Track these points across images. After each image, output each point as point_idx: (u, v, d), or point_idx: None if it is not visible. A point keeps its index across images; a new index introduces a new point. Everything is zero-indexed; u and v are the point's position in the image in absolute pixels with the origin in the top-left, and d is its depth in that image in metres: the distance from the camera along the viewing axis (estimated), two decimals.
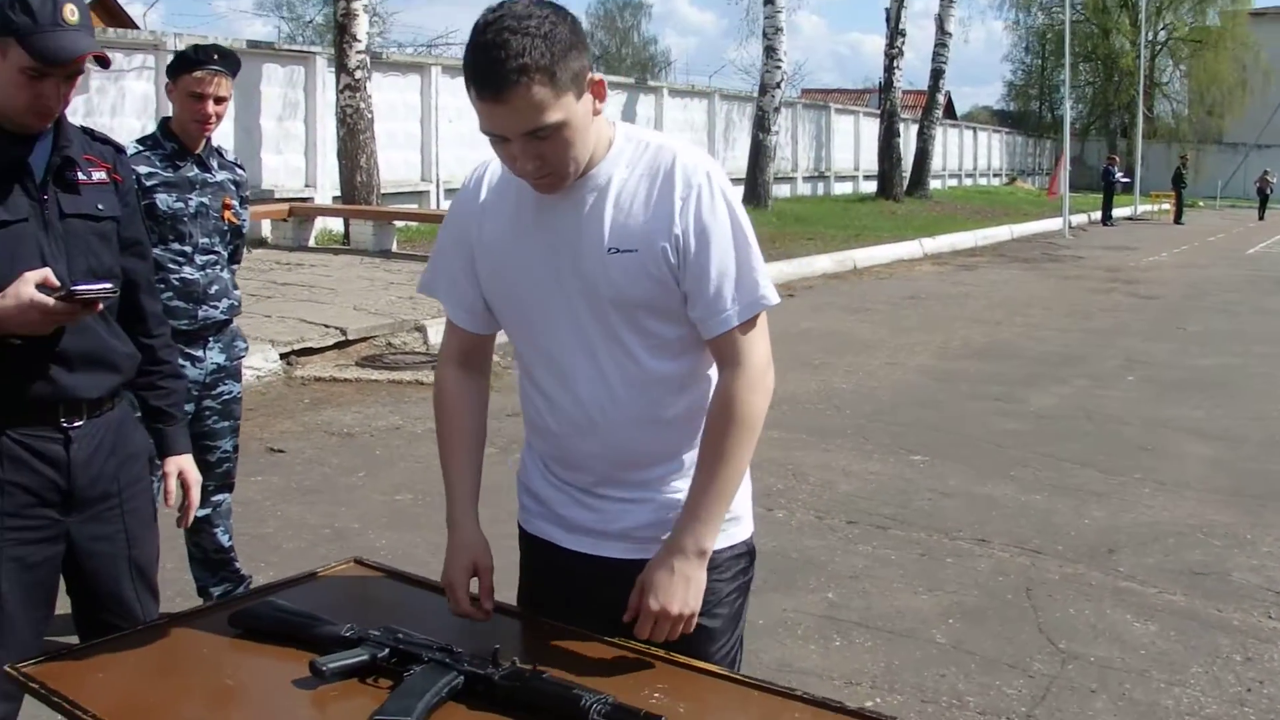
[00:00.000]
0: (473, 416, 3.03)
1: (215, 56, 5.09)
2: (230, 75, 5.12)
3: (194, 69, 5.04)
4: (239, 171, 5.52)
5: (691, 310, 2.73)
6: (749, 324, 2.73)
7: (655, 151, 2.74)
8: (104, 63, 3.19)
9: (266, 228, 19.26)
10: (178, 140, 5.18)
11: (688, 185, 2.68)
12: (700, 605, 2.74)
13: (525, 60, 2.44)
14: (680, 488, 2.83)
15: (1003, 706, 5.14)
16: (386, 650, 2.58)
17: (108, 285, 3.10)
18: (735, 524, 2.93)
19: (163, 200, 5.09)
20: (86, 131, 3.44)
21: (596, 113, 2.64)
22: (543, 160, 2.59)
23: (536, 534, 3.02)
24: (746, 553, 3.00)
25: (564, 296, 2.76)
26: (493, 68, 2.46)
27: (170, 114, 5.25)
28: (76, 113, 16.45)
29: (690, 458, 2.83)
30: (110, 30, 22.73)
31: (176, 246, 5.15)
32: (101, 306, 3.14)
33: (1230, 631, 6.00)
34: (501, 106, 2.49)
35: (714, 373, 2.83)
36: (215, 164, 5.33)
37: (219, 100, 5.09)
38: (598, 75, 2.62)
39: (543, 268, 2.77)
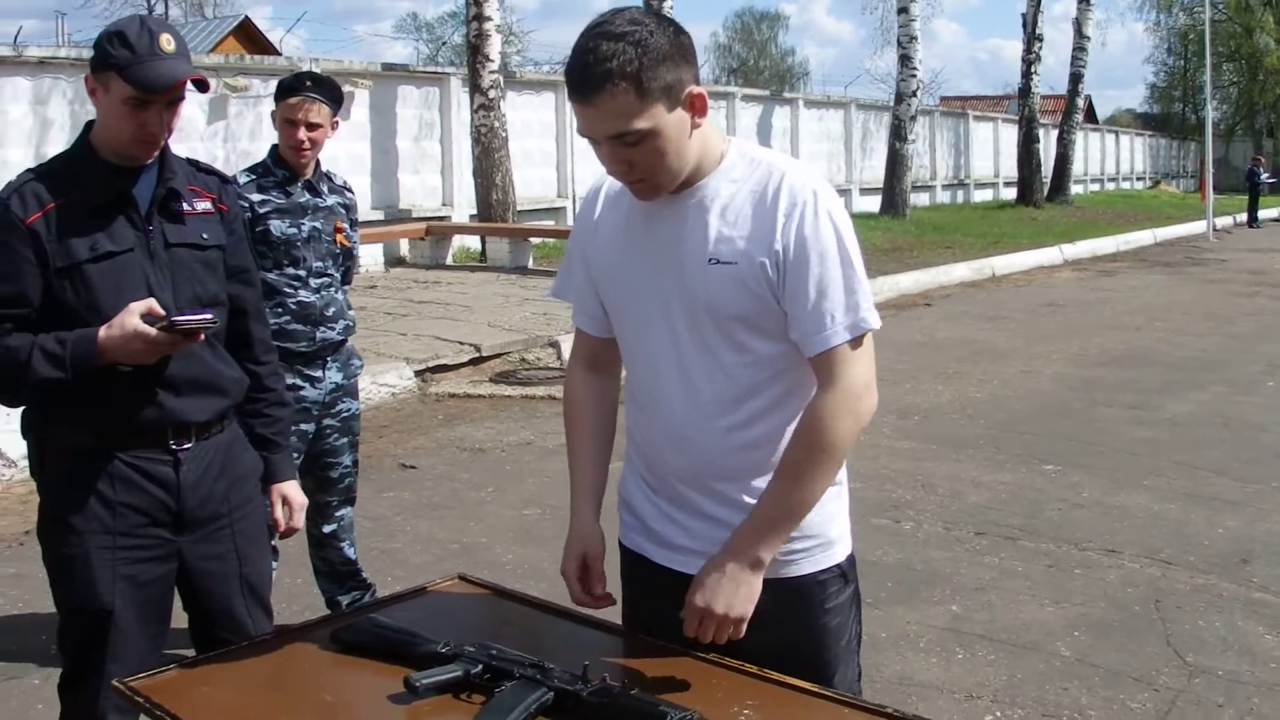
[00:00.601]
0: (598, 412, 3.08)
1: (309, 83, 5.18)
2: (327, 102, 5.19)
3: (288, 95, 5.15)
4: (349, 195, 5.60)
5: (791, 328, 2.72)
6: (850, 345, 2.70)
7: (766, 168, 2.75)
8: (203, 87, 3.29)
9: (404, 246, 19.51)
10: (287, 166, 5.28)
11: (792, 202, 2.68)
12: (750, 612, 2.73)
13: (611, 66, 2.52)
14: None
15: None
16: (480, 666, 2.62)
17: (208, 315, 3.17)
18: (825, 549, 2.91)
19: (276, 226, 5.20)
20: (192, 163, 3.54)
21: (696, 126, 2.67)
22: (631, 166, 2.64)
23: (632, 548, 3.05)
24: (841, 574, 2.96)
25: (663, 305, 2.79)
26: (582, 71, 2.55)
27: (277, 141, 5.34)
28: (217, 136, 16.94)
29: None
30: (248, 56, 23.18)
31: (291, 271, 5.25)
32: (203, 336, 3.22)
33: None
34: (589, 109, 2.58)
35: (809, 396, 2.80)
36: (325, 188, 5.42)
37: (312, 126, 5.17)
38: (698, 89, 2.65)
39: (645, 276, 2.81)
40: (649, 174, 2.66)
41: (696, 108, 2.65)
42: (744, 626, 2.73)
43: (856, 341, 2.71)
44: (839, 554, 2.95)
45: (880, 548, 6.96)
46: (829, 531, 2.91)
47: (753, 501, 2.78)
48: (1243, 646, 5.80)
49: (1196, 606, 6.28)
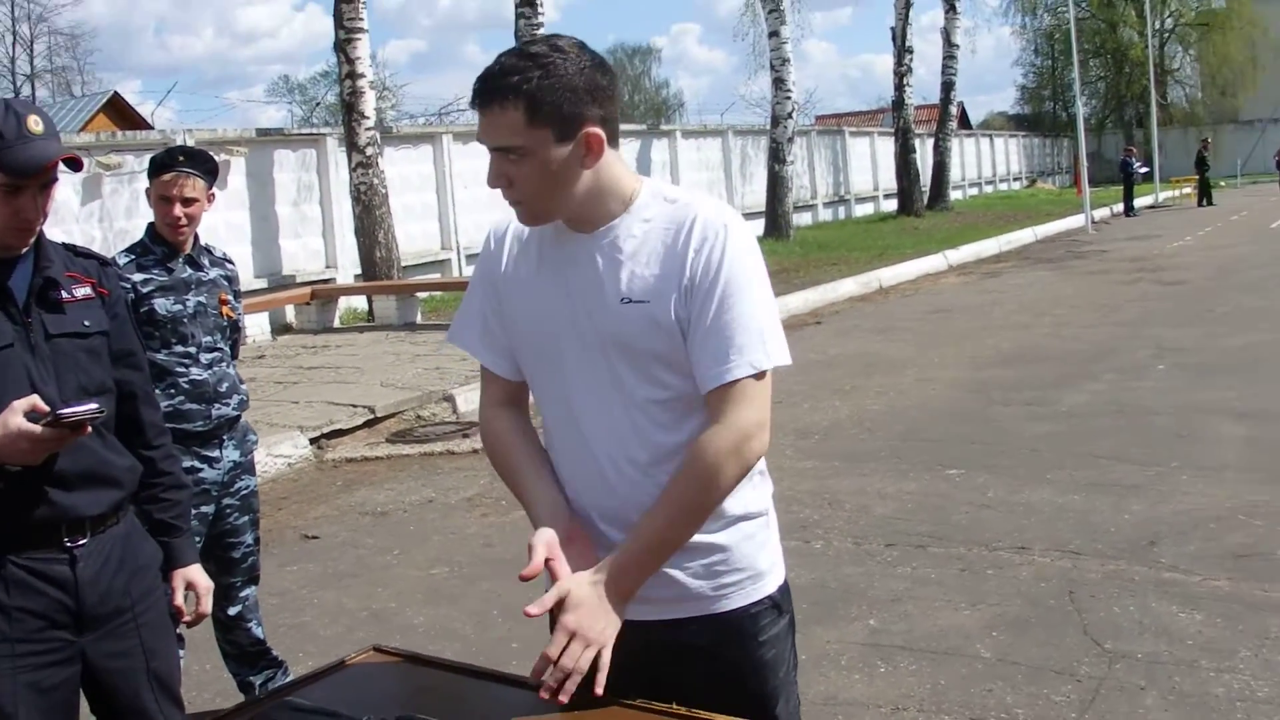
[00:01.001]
0: (527, 439, 2.97)
1: (181, 158, 5.10)
2: (201, 175, 5.12)
3: (161, 172, 5.07)
4: (230, 266, 5.53)
5: (693, 363, 2.68)
6: (744, 383, 2.65)
7: (680, 207, 2.73)
8: (76, 165, 3.22)
9: (290, 313, 19.32)
10: (166, 243, 5.20)
11: (703, 237, 2.67)
12: (612, 639, 2.63)
13: (512, 81, 2.56)
14: (699, 543, 2.76)
15: (1052, 715, 5.11)
16: None
17: (93, 406, 3.08)
18: (756, 581, 2.87)
19: (161, 304, 5.11)
20: (69, 248, 3.46)
21: (586, 166, 2.65)
22: (509, 182, 2.65)
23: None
24: (775, 605, 2.91)
25: (578, 346, 2.76)
26: (485, 79, 2.61)
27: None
28: (92, 217, 16.69)
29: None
30: (120, 133, 22.93)
31: (180, 349, 5.17)
32: (90, 429, 3.14)
33: (1278, 611, 5.96)
34: (482, 116, 2.62)
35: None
36: (207, 262, 5.34)
37: (188, 201, 5.09)
38: (596, 131, 2.63)
39: (558, 318, 2.77)
40: (526, 198, 2.67)
41: (591, 146, 2.64)
42: (608, 655, 2.63)
43: (755, 379, 2.67)
44: (770, 585, 2.91)
45: (793, 569, 6.84)
46: (758, 563, 2.87)
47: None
48: (1158, 628, 5.87)
49: (1110, 593, 6.35)
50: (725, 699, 2.73)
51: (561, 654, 2.59)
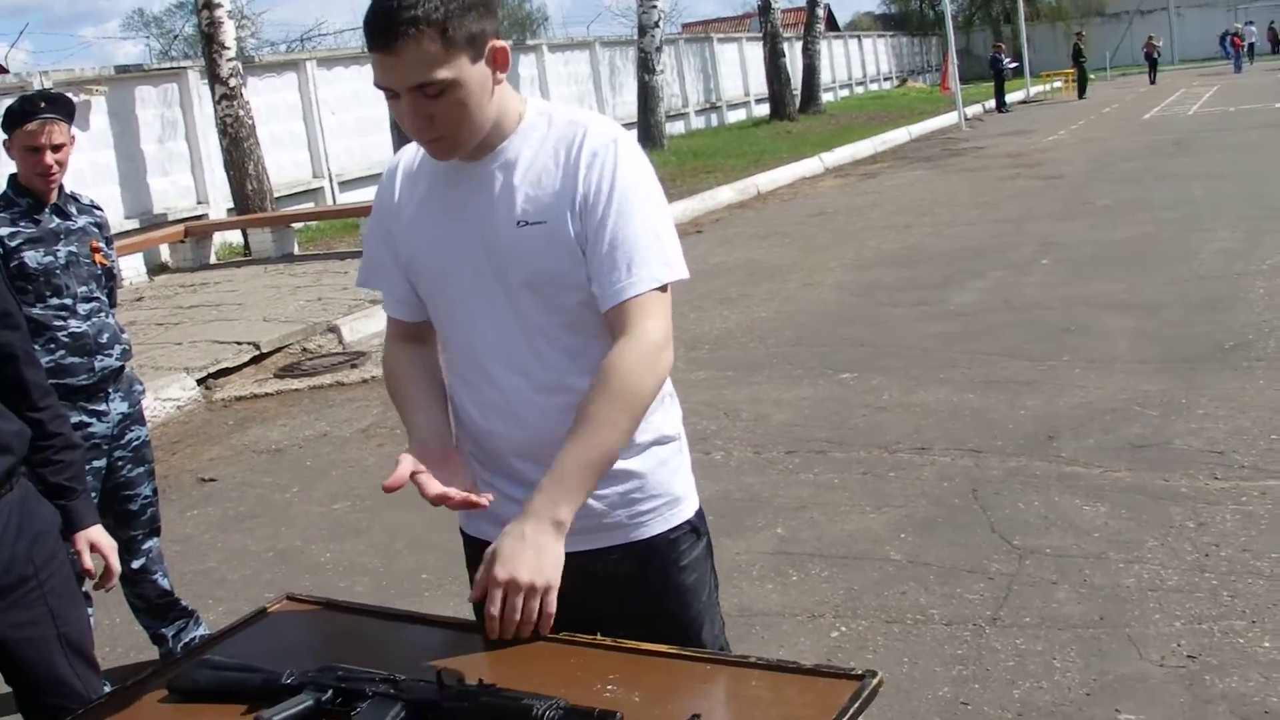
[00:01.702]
0: (424, 373, 2.92)
1: (43, 105, 4.92)
2: (65, 119, 4.96)
3: (24, 122, 4.88)
4: (98, 213, 5.35)
5: (591, 280, 2.63)
6: (646, 297, 2.60)
7: (566, 125, 2.67)
8: None
9: (165, 252, 18.94)
10: (30, 194, 5.02)
11: (593, 153, 2.61)
12: (557, 579, 2.52)
13: (416, 12, 2.41)
14: (614, 473, 2.70)
15: (967, 614, 5.15)
16: (329, 691, 2.49)
17: None
18: (672, 506, 2.85)
19: (31, 257, 4.93)
20: None
21: (497, 81, 2.59)
22: (432, 119, 2.53)
23: (474, 534, 2.94)
24: (693, 529, 2.90)
25: (476, 275, 2.69)
26: (385, 18, 2.44)
27: (15, 170, 5.07)
28: None
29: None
30: None
31: (56, 301, 4.99)
32: None
33: (1179, 500, 6.05)
34: (390, 58, 2.46)
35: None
36: (74, 210, 5.18)
37: (56, 148, 4.93)
38: (500, 43, 2.56)
39: (455, 247, 2.71)
40: (450, 129, 2.55)
41: (499, 61, 2.57)
42: (554, 597, 2.53)
43: (658, 292, 2.63)
44: (687, 510, 2.89)
45: (696, 482, 6.93)
46: (674, 488, 2.86)
47: None
48: (1065, 522, 5.95)
49: (1013, 489, 6.42)
50: (649, 626, 2.70)
51: (502, 609, 2.50)
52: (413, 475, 2.59)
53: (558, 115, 2.71)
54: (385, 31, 2.44)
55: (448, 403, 2.91)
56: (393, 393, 2.96)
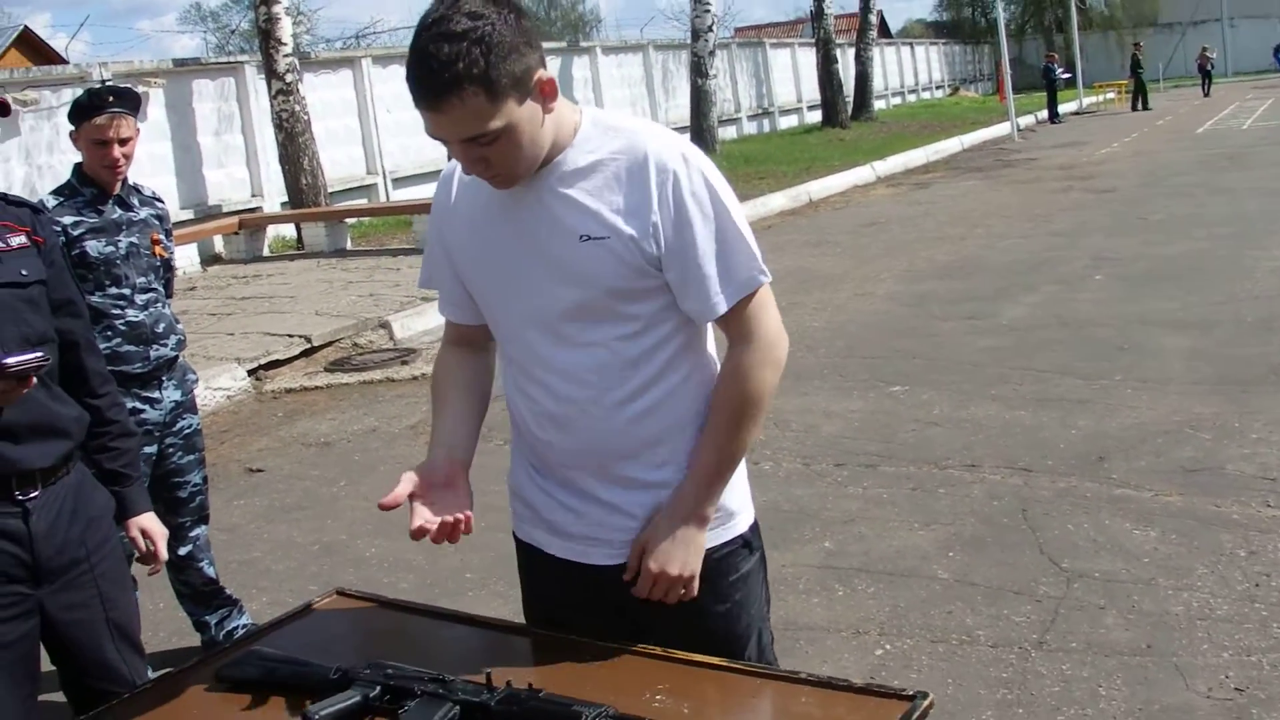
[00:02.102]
0: (463, 378, 2.96)
1: (111, 99, 4.95)
2: (131, 113, 5.00)
3: (93, 115, 4.91)
4: (160, 205, 5.41)
5: (683, 298, 2.67)
6: (748, 300, 2.69)
7: (627, 136, 2.66)
8: (3, 109, 3.09)
9: (219, 243, 19.07)
10: (94, 184, 5.07)
11: (663, 171, 2.60)
12: (699, 566, 2.75)
13: (458, 70, 2.37)
14: (668, 482, 2.77)
15: (1014, 636, 5.10)
16: (378, 689, 2.50)
17: (38, 354, 2.98)
18: (726, 521, 2.86)
19: (93, 247, 4.99)
20: (1, 196, 3.34)
21: (548, 111, 2.55)
22: (487, 163, 2.53)
23: (527, 540, 2.96)
24: (746, 544, 2.91)
25: (535, 287, 2.69)
26: (426, 78, 2.41)
27: (81, 159, 5.10)
28: (13, 155, 16.39)
29: (668, 452, 2.77)
30: (35, 69, 22.49)
31: (115, 291, 5.06)
32: (36, 378, 3.03)
33: (1231, 526, 5.98)
34: (438, 116, 2.44)
35: (698, 359, 2.79)
36: (136, 201, 5.23)
37: (124, 141, 4.97)
38: (547, 75, 2.52)
39: (514, 259, 2.70)
40: (507, 167, 2.55)
41: (546, 93, 2.54)
42: (696, 583, 2.76)
43: (755, 294, 2.70)
44: (741, 524, 2.90)
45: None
46: (729, 503, 2.85)
47: (646, 480, 2.75)
48: (1114, 545, 5.88)
49: (1063, 510, 6.35)
50: (698, 638, 2.73)
51: (652, 591, 2.75)
52: (410, 496, 2.66)
53: (614, 125, 2.69)
54: (429, 92, 2.42)
55: (482, 413, 2.97)
56: (433, 394, 2.99)
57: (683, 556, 2.71)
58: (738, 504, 2.90)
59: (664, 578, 2.71)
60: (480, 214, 2.75)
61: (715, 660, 2.62)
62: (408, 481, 2.67)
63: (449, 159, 2.79)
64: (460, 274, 2.85)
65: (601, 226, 2.61)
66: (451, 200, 2.83)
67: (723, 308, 2.66)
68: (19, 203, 3.38)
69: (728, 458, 2.75)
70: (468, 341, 2.99)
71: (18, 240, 3.23)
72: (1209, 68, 50.94)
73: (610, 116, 2.73)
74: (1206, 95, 48.39)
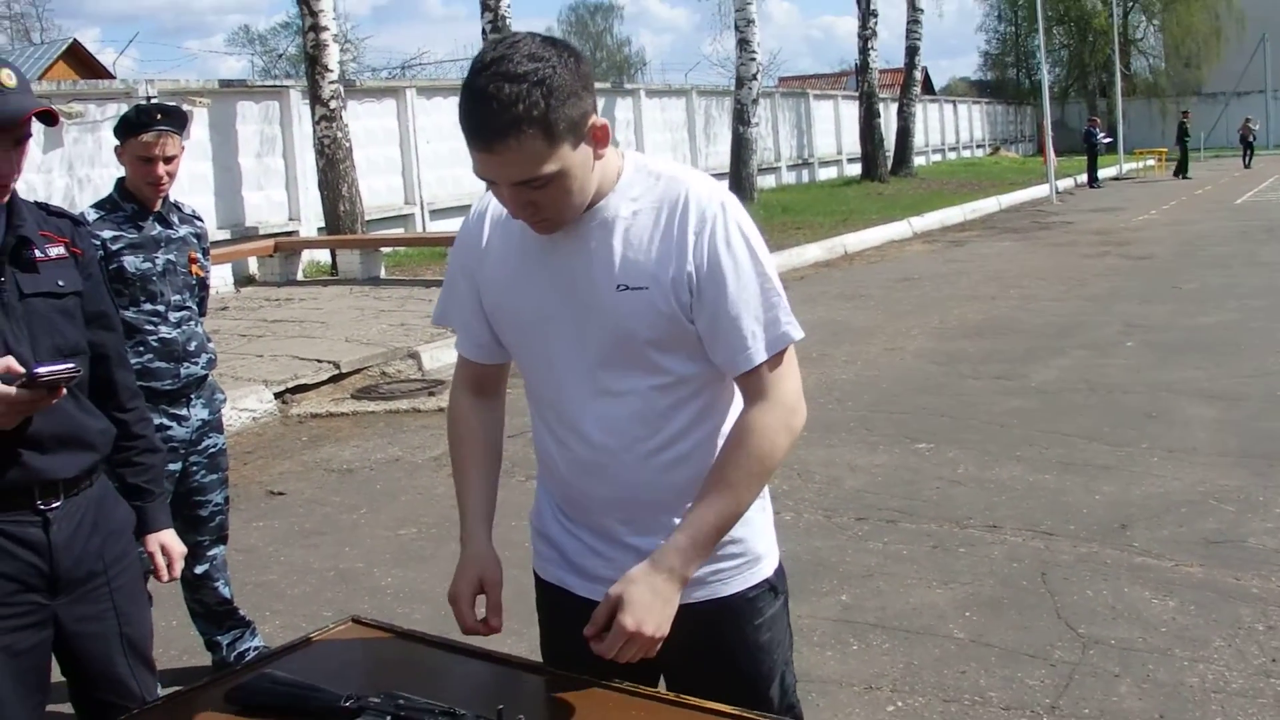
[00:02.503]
0: (484, 437, 2.96)
1: (159, 117, 5.00)
2: (178, 132, 5.04)
3: (140, 132, 4.95)
4: (199, 224, 5.45)
5: (712, 350, 2.64)
6: (775, 359, 2.64)
7: (667, 183, 2.64)
8: (51, 119, 3.11)
9: (254, 265, 19.19)
10: (135, 200, 5.11)
11: (701, 219, 2.58)
12: (669, 627, 2.60)
13: (518, 111, 2.34)
14: None
15: (1026, 700, 5.07)
16: (388, 718, 2.50)
17: (70, 365, 3.00)
18: (753, 565, 2.84)
19: (130, 262, 5.03)
20: (42, 207, 3.36)
21: (598, 157, 2.54)
22: (536, 207, 2.50)
23: (552, 581, 2.95)
24: (771, 588, 2.89)
25: (570, 334, 2.68)
26: (484, 117, 2.37)
27: (124, 174, 5.15)
28: (56, 166, 16.50)
29: None
30: (82, 82, 22.66)
31: (149, 307, 5.09)
32: (66, 389, 3.04)
33: (1250, 600, 5.93)
34: (492, 157, 2.40)
35: (729, 410, 2.76)
36: (176, 219, 5.26)
37: (169, 159, 5.02)
38: (600, 120, 2.50)
39: (549, 304, 2.69)
40: (554, 212, 2.53)
41: (599, 139, 2.52)
42: (659, 644, 2.61)
43: (782, 354, 2.65)
44: (767, 568, 2.88)
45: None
46: (757, 547, 2.84)
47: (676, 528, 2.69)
48: (1132, 613, 5.84)
49: (1082, 576, 6.32)
50: (719, 681, 2.72)
51: (619, 651, 2.58)
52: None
53: (656, 171, 2.67)
54: (486, 132, 2.38)
55: (498, 472, 2.98)
56: (454, 444, 2.99)
57: (659, 616, 2.57)
58: (764, 548, 2.88)
59: (638, 637, 2.55)
60: (515, 255, 2.73)
61: (730, 709, 2.59)
62: (469, 612, 2.82)
63: (486, 193, 2.77)
64: (490, 314, 2.83)
65: (640, 276, 2.59)
66: (484, 238, 2.80)
67: (755, 360, 2.61)
68: (59, 214, 3.40)
69: (726, 519, 2.63)
70: (482, 387, 2.99)
71: (56, 251, 3.25)
72: (1251, 139, 50.70)
73: (653, 162, 2.71)
74: (1247, 167, 48.27)
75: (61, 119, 3.13)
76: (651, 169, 2.68)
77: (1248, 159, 49.86)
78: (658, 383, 2.67)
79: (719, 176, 32.02)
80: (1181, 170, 45.30)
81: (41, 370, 2.91)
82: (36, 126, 3.11)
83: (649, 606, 2.56)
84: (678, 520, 2.68)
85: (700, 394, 2.71)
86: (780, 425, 2.64)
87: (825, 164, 44.16)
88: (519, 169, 2.41)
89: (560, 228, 2.59)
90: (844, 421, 9.79)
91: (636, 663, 2.65)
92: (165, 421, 5.09)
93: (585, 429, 2.72)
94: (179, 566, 3.71)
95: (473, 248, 2.83)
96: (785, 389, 2.66)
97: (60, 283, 3.23)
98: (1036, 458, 8.50)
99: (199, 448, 5.31)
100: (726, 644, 2.81)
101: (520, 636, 3.00)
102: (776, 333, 2.63)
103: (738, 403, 2.74)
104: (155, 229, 5.14)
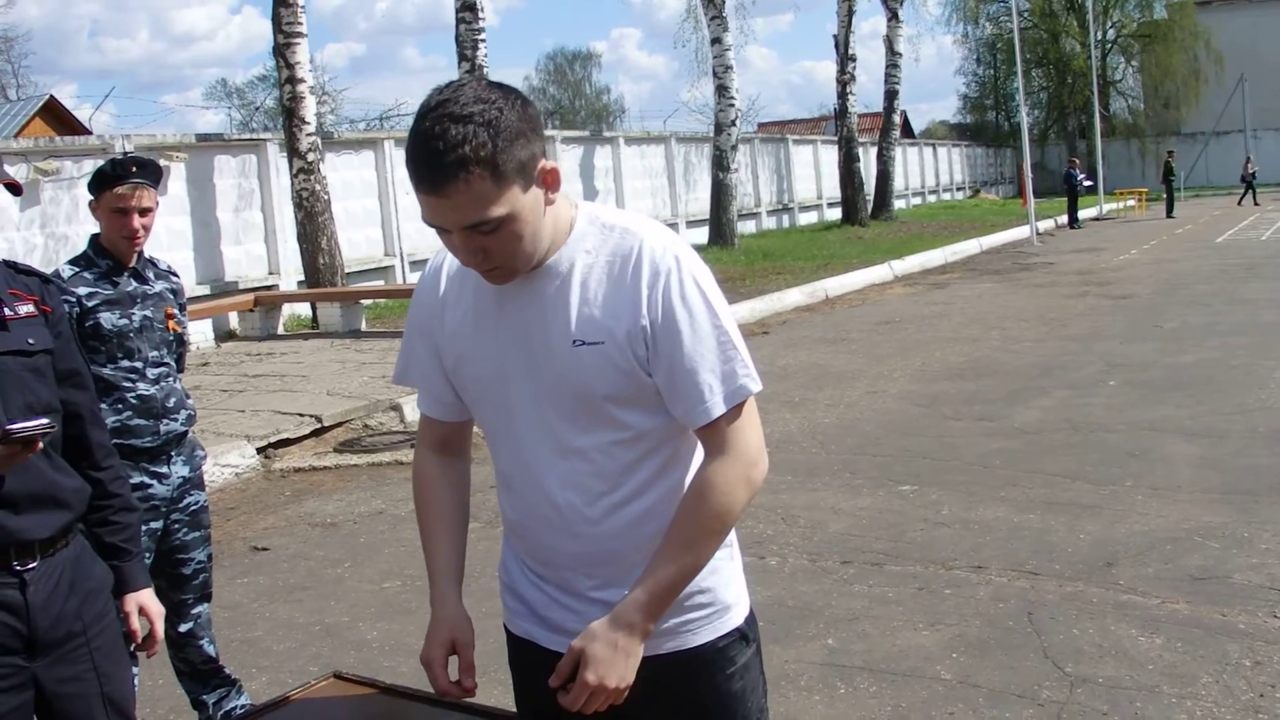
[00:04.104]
0: (451, 497, 2.94)
1: (134, 169, 4.98)
2: (153, 185, 5.03)
3: (114, 185, 4.93)
4: (175, 279, 5.42)
5: (670, 403, 2.60)
6: (733, 412, 2.59)
7: (620, 235, 2.61)
8: (15, 190, 3.11)
9: (234, 320, 19.18)
10: (110, 255, 5.08)
11: (654, 272, 2.56)
12: (633, 678, 2.59)
13: (464, 152, 2.32)
14: None
15: None
16: None
17: (44, 421, 2.98)
18: (723, 614, 2.80)
19: (107, 319, 5.00)
20: (10, 264, 3.35)
21: (550, 203, 2.52)
22: (486, 254, 2.47)
23: (520, 634, 2.92)
24: (742, 636, 2.85)
25: (528, 390, 2.65)
26: (430, 159, 2.34)
27: (98, 230, 5.13)
28: (33, 224, 16.52)
29: None
30: (59, 138, 22.69)
31: (127, 364, 5.06)
32: (41, 445, 3.03)
33: (1237, 636, 5.93)
34: (439, 200, 2.37)
35: (691, 461, 2.72)
36: (152, 275, 5.24)
37: (144, 212, 4.99)
38: (550, 164, 2.49)
39: (505, 360, 2.66)
40: (505, 259, 2.50)
41: (549, 183, 2.50)
42: (625, 693, 2.61)
43: (741, 406, 2.62)
44: (737, 617, 2.84)
45: (749, 587, 6.84)
46: (725, 596, 2.81)
47: None
48: (1119, 651, 5.83)
49: (1069, 615, 6.31)
50: None
51: (584, 703, 2.58)
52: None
53: (609, 223, 2.65)
54: (432, 174, 2.36)
55: (467, 523, 2.97)
56: (421, 504, 2.97)
57: (622, 669, 2.56)
58: (733, 596, 2.84)
59: (601, 690, 2.55)
60: (471, 311, 2.71)
61: None
62: (442, 675, 2.80)
63: (441, 250, 2.74)
64: (450, 373, 2.81)
65: (596, 331, 2.57)
66: (440, 293, 2.79)
67: (713, 414, 2.57)
68: (28, 271, 3.39)
69: (685, 573, 2.60)
70: (447, 444, 2.97)
71: (25, 309, 3.24)
72: (1253, 181, 50.58)
73: (605, 213, 2.68)
74: (1255, 204, 48.25)
75: (34, 174, 3.12)
76: (605, 220, 2.65)
77: (1247, 198, 49.72)
78: (618, 438, 2.64)
79: (699, 223, 32.22)
80: (1170, 209, 45.49)
81: (15, 426, 2.90)
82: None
83: (610, 662, 2.56)
84: (639, 572, 2.65)
85: (661, 447, 2.68)
86: (739, 479, 2.60)
87: (805, 209, 44.34)
88: (467, 212, 2.38)
89: (513, 277, 2.57)
90: (827, 465, 9.79)
91: (609, 715, 2.64)
92: (146, 479, 5.05)
93: (547, 485, 2.69)
94: (160, 626, 3.68)
95: (430, 305, 2.82)
96: (745, 441, 2.62)
97: (30, 340, 3.22)
98: (1020, 498, 8.50)
99: (180, 505, 5.27)
100: (699, 694, 2.78)
101: (506, 687, 2.98)
102: (734, 385, 2.59)
103: (700, 453, 2.70)
104: (131, 285, 5.11)
